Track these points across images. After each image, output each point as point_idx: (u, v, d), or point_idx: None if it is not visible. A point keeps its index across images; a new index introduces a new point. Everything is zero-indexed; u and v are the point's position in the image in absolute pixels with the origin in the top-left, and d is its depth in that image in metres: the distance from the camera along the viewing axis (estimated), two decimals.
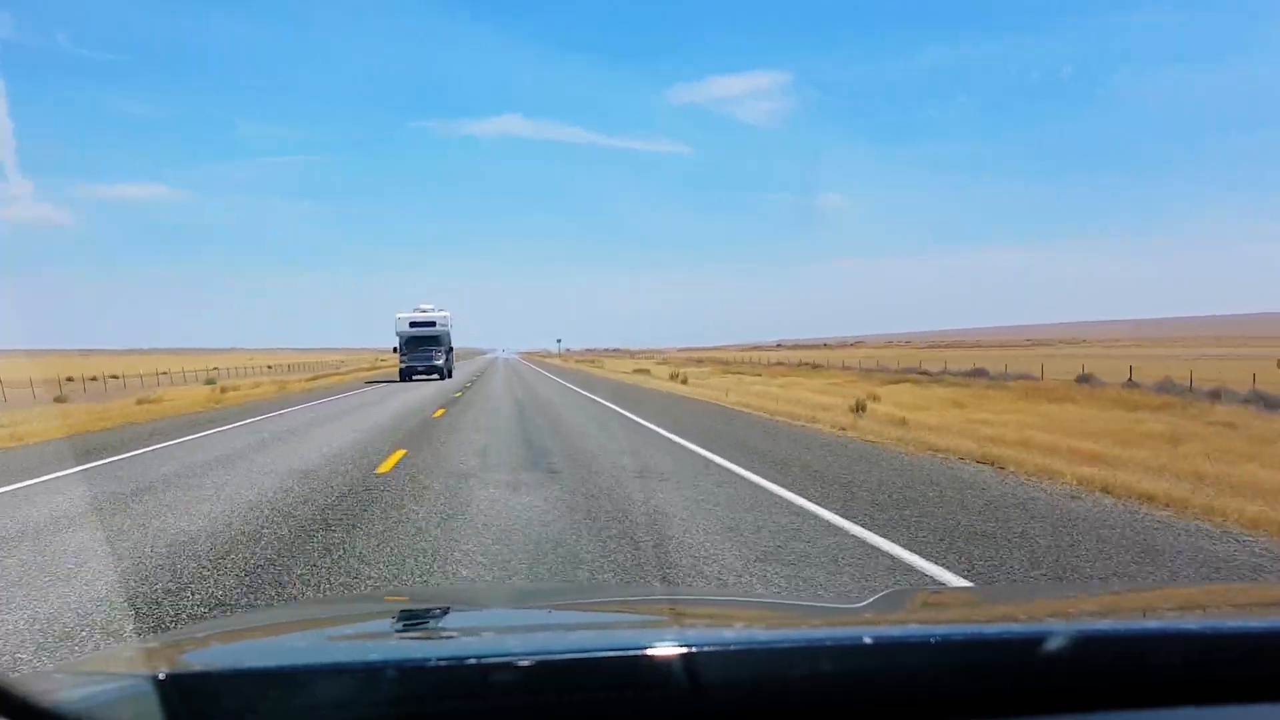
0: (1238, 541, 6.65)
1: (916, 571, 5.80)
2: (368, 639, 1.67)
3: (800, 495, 8.67)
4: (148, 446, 14.61)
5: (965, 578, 5.64)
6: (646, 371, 57.73)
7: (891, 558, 6.14)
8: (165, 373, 66.56)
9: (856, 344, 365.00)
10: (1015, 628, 1.48)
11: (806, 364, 79.09)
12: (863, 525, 7.21)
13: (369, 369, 78.56)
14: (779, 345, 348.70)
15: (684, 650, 1.15)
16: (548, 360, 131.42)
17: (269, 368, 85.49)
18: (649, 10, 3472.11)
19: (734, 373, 58.73)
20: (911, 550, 6.31)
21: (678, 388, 35.83)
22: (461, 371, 59.68)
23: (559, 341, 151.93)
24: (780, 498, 8.62)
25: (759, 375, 55.34)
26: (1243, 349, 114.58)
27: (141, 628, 4.76)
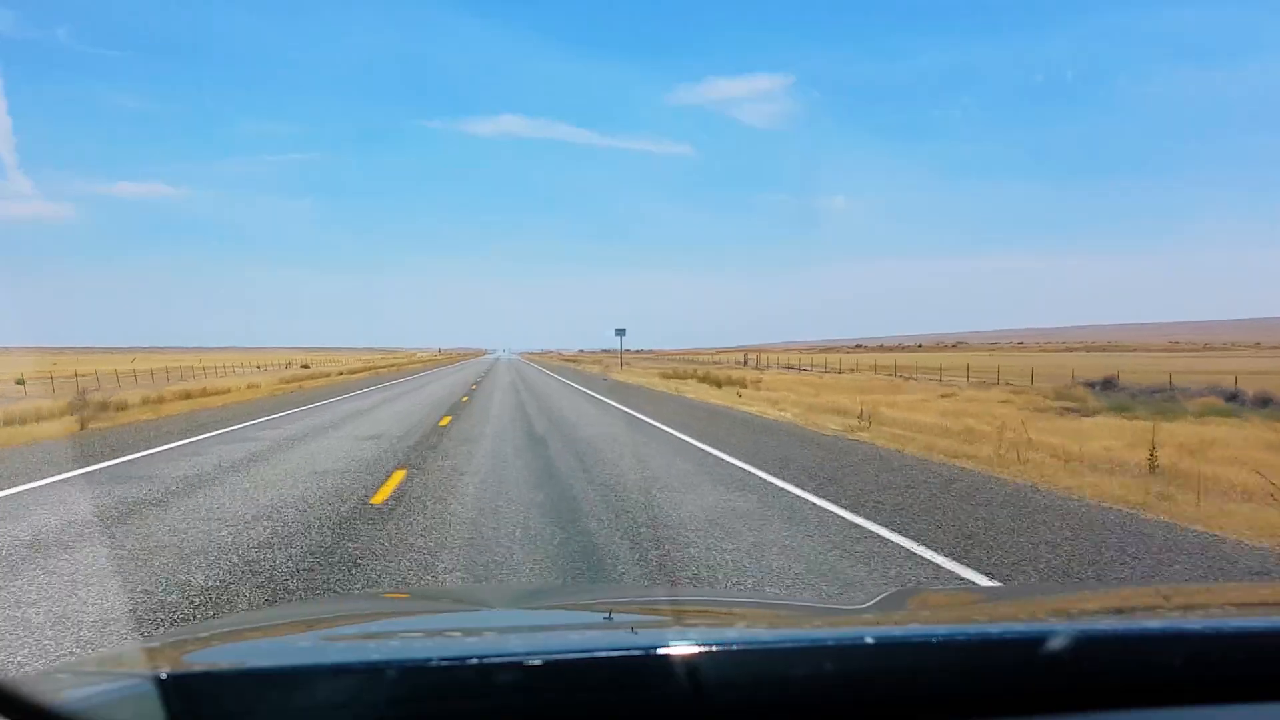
0: None
1: None
2: (368, 639, 1.65)
3: None
4: None
5: None
6: None
7: None
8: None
9: (957, 345, 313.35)
10: (1017, 628, 1.46)
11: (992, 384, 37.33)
12: None
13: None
14: (859, 346, 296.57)
15: (686, 650, 1.14)
16: (590, 369, 78.44)
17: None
18: (650, 11, 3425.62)
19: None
20: None
21: None
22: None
23: (620, 334, 72.89)
24: None
25: None
26: None
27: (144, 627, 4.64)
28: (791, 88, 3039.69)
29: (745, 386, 38.44)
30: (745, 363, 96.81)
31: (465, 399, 28.31)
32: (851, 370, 73.58)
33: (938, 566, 6.45)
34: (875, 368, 77.41)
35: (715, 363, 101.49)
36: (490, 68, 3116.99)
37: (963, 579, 6.15)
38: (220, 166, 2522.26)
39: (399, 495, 9.40)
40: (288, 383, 45.49)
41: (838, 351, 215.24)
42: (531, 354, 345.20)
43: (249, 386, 38.73)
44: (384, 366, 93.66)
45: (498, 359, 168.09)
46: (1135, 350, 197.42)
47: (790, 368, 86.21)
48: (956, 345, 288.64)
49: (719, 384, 39.07)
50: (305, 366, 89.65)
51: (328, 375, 61.17)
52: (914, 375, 54.93)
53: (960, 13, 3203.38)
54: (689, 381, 43.33)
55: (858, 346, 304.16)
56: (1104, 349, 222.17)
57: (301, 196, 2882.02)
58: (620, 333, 70.89)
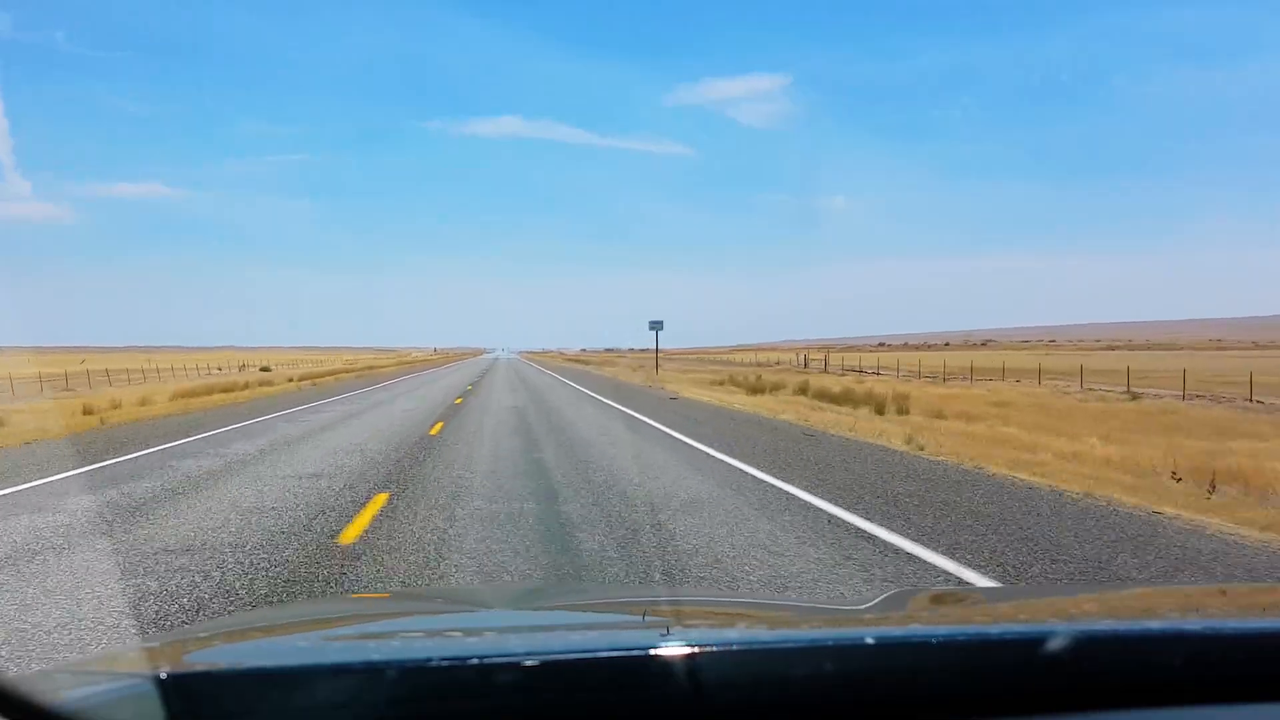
0: None
1: None
2: (368, 639, 1.65)
3: None
4: None
5: None
6: None
7: None
8: None
9: (986, 343, 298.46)
10: (1017, 628, 1.47)
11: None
12: None
13: None
14: (882, 345, 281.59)
15: (686, 650, 1.14)
16: (613, 374, 63.33)
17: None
18: (649, 12, 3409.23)
19: None
20: None
21: None
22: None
23: (656, 328, 53.87)
24: None
25: None
26: None
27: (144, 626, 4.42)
28: (790, 88, 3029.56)
29: (901, 410, 23.08)
30: (806, 365, 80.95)
31: (372, 511, 7.97)
32: (950, 375, 58.04)
33: None
34: (946, 370, 62.06)
35: (761, 364, 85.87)
36: (490, 68, 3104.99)
37: None
38: (220, 167, 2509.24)
39: None
40: (182, 397, 30.09)
41: (859, 350, 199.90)
42: (531, 353, 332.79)
43: (84, 413, 23.31)
44: (362, 369, 79.09)
45: (496, 359, 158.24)
46: (1182, 349, 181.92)
47: (852, 369, 70.61)
48: (985, 344, 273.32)
49: (877, 408, 23.41)
50: (265, 369, 74.67)
51: (272, 384, 45.75)
52: (1093, 387, 38.96)
53: (960, 13, 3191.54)
54: (795, 398, 27.80)
55: (881, 345, 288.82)
56: (1147, 347, 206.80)
57: (301, 197, 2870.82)
58: (656, 327, 54.98)
